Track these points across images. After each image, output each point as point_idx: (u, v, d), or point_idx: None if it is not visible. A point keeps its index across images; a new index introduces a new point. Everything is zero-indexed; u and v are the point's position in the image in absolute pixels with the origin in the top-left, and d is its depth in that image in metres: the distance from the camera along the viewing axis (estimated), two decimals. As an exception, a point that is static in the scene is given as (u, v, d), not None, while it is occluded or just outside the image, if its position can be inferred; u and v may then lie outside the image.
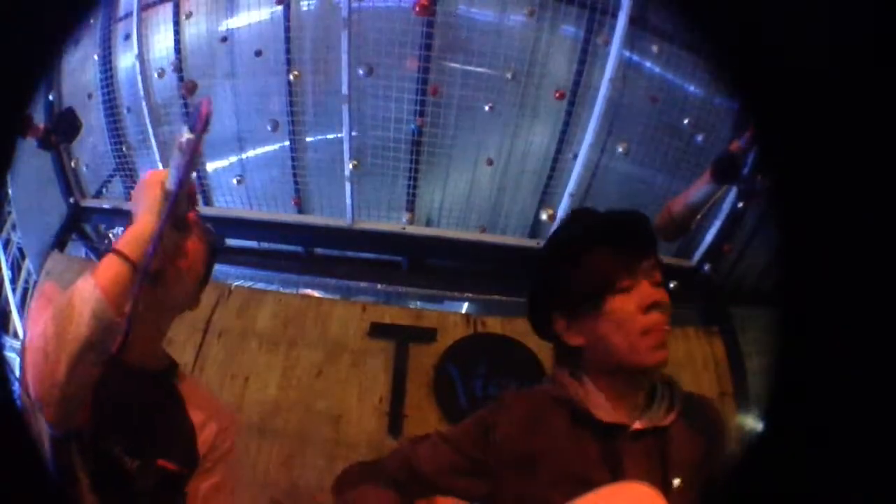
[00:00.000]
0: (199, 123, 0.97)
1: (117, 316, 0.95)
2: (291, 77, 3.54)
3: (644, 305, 1.08)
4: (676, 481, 1.05)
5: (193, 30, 3.69)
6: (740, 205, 3.00)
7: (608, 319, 1.11)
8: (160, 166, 3.56)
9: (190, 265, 1.21)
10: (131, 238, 1.00)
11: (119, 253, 0.98)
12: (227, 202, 3.69)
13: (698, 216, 1.82)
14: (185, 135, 0.98)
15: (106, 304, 0.94)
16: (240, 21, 3.67)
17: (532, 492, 1.07)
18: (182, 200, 1.05)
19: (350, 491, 1.13)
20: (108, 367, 1.07)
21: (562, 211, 3.35)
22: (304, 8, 3.55)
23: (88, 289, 0.95)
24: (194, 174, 1.18)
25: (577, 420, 1.10)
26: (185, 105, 3.68)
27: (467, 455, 1.12)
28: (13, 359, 1.27)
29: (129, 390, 1.16)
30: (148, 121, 3.57)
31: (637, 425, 1.09)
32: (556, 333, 1.17)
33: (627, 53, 3.34)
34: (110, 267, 0.97)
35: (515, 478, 1.09)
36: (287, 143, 3.70)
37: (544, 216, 3.43)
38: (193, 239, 1.20)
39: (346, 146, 3.34)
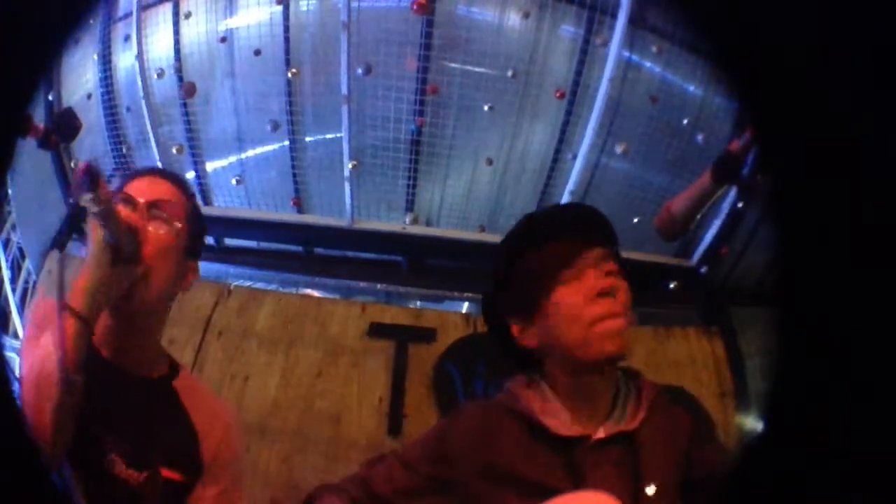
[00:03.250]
0: (85, 185, 1.01)
1: (77, 374, 0.98)
2: (290, 74, 3.54)
3: (591, 294, 1.04)
4: (651, 489, 1.00)
5: (193, 30, 3.69)
6: (740, 205, 3.01)
7: (556, 313, 1.06)
8: (160, 166, 3.56)
9: (155, 252, 1.15)
10: (77, 292, 1.03)
11: (68, 308, 1.01)
12: (226, 202, 3.70)
13: (698, 216, 1.82)
14: (86, 197, 1.02)
15: (68, 365, 0.98)
16: (239, 21, 3.68)
17: None
18: (123, 243, 1.08)
19: None
20: (106, 375, 1.08)
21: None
22: (304, 8, 3.55)
23: (50, 351, 0.98)
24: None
25: (534, 433, 1.06)
26: (185, 105, 3.68)
27: (424, 474, 1.09)
28: (13, 359, 1.26)
29: (127, 398, 1.13)
30: (148, 121, 3.57)
31: (600, 434, 1.04)
32: (513, 337, 1.13)
33: (627, 53, 3.34)
34: (64, 325, 1.00)
35: (477, 491, 1.06)
36: (286, 142, 3.70)
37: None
38: (155, 227, 1.16)
39: (345, 146, 3.34)
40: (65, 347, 0.98)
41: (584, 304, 1.04)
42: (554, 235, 1.10)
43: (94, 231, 1.06)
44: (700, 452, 1.07)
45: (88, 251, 1.06)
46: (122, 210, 1.13)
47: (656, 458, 1.03)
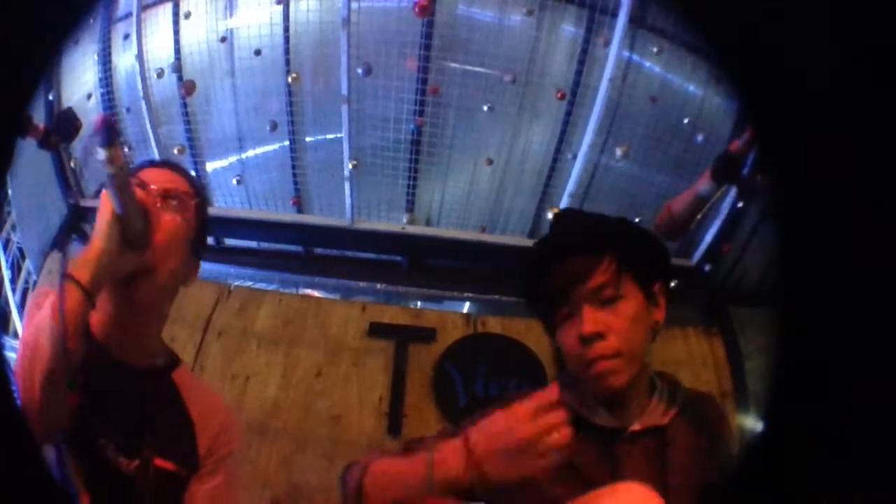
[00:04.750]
0: (102, 138, 0.97)
1: (72, 343, 0.96)
2: (290, 79, 3.54)
3: (580, 338, 1.05)
4: (675, 482, 1.04)
5: (193, 30, 3.69)
6: (740, 205, 3.00)
7: (561, 347, 1.11)
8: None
9: (166, 241, 1.14)
10: (81, 262, 1.01)
11: (70, 278, 0.99)
12: (226, 202, 3.69)
13: (698, 216, 1.82)
14: (101, 153, 0.98)
15: (59, 330, 0.96)
16: (239, 21, 3.68)
17: (537, 493, 1.05)
18: (133, 221, 1.05)
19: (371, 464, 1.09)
20: (102, 362, 1.08)
21: (564, 210, 3.35)
22: (304, 8, 3.55)
23: (46, 317, 0.97)
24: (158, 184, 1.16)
25: (576, 424, 1.08)
26: (185, 105, 3.68)
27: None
28: (13, 359, 1.26)
29: (124, 387, 1.13)
30: (148, 121, 3.57)
31: (635, 426, 1.09)
32: None
33: (627, 53, 3.35)
34: (63, 292, 0.98)
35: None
36: (287, 142, 3.70)
37: (550, 215, 3.43)
38: (167, 215, 1.15)
39: (345, 146, 3.34)
40: (63, 316, 0.95)
41: (577, 344, 1.06)
42: (548, 266, 1.10)
43: (105, 204, 1.04)
44: (715, 460, 1.10)
45: (97, 224, 1.04)
46: (136, 190, 1.11)
47: (683, 454, 1.07)
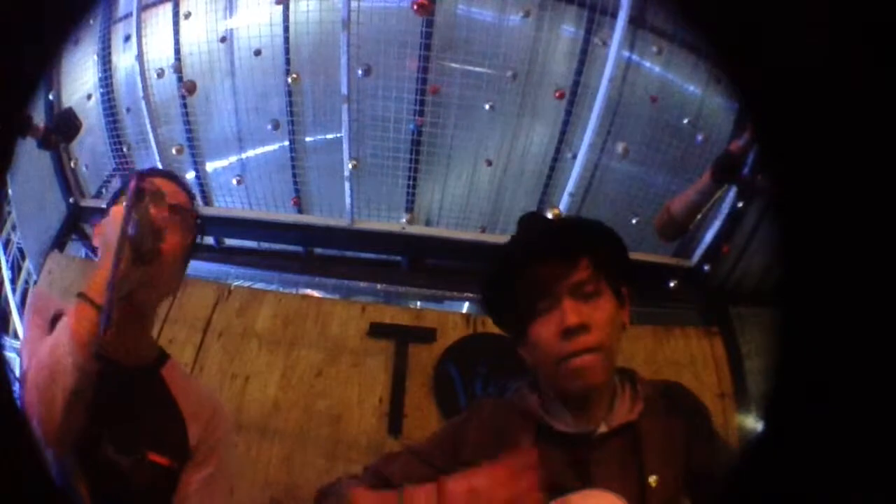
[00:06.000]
0: (134, 198, 1.04)
1: (91, 364, 1.00)
2: (290, 80, 3.55)
3: (560, 331, 1.03)
4: (653, 478, 1.02)
5: (193, 30, 3.70)
6: (740, 205, 3.01)
7: (532, 344, 1.08)
8: (159, 166, 3.56)
9: (170, 257, 1.19)
10: (96, 282, 1.05)
11: (86, 298, 1.03)
12: (226, 202, 3.70)
13: (698, 216, 1.82)
14: (128, 206, 1.04)
15: (82, 354, 1.00)
16: (239, 21, 3.68)
17: None
18: (145, 237, 1.08)
19: (334, 490, 1.12)
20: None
21: (564, 209, 3.35)
22: (304, 8, 3.56)
23: (66, 339, 1.01)
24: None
25: (541, 432, 1.08)
26: (185, 105, 3.68)
27: (439, 469, 1.09)
28: (13, 359, 1.27)
29: (116, 386, 1.15)
30: (147, 121, 3.58)
31: (602, 429, 1.07)
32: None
33: (627, 53, 3.35)
34: (82, 314, 1.03)
35: None
36: (287, 142, 3.71)
37: (549, 215, 3.43)
38: (173, 233, 1.19)
39: (345, 146, 3.34)
40: (87, 338, 0.99)
41: (556, 340, 1.04)
42: (527, 262, 1.09)
43: (119, 225, 1.06)
44: (699, 443, 1.08)
45: (110, 244, 1.07)
46: (151, 207, 1.14)
47: (658, 448, 1.05)
